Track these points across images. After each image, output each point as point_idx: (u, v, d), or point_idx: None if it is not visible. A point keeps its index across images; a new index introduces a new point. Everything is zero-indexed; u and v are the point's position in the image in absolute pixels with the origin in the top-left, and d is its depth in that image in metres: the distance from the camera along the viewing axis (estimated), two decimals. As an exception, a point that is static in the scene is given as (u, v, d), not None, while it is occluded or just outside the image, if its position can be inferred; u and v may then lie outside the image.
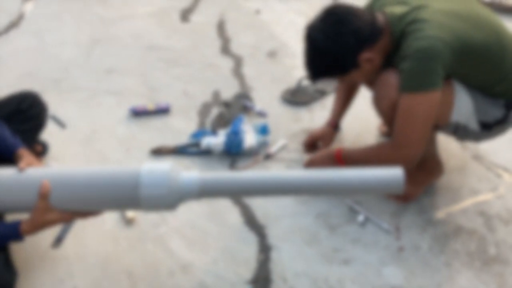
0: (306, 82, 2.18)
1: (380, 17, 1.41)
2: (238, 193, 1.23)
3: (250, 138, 1.79)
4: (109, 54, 2.36)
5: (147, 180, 1.17)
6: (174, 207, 1.21)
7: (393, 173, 1.19)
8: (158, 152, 1.80)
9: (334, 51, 1.39)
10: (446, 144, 1.85)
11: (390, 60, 1.45)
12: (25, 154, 1.33)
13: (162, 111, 1.99)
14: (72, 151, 1.77)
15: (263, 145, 1.83)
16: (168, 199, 1.18)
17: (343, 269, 1.44)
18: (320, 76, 1.49)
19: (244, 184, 1.19)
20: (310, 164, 1.65)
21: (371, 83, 1.54)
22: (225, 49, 2.46)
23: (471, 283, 1.40)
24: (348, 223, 1.58)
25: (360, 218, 1.58)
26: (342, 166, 1.54)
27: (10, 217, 1.34)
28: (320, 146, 1.82)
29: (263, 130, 1.84)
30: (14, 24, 2.52)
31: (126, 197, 1.19)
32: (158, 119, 1.97)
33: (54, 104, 1.88)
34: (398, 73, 1.38)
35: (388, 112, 1.43)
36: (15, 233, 1.21)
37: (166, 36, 2.53)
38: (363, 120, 2.02)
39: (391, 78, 1.39)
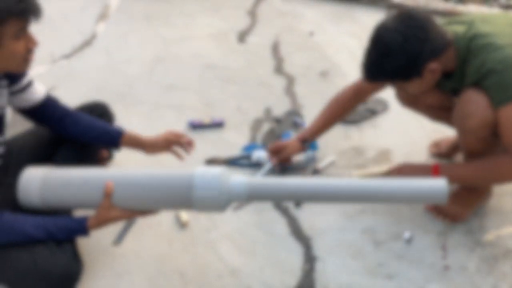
0: (356, 102, 2.22)
1: (448, 32, 1.44)
2: (283, 198, 1.29)
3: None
4: (171, 71, 2.52)
5: (199, 182, 1.26)
6: (223, 208, 1.30)
7: (438, 184, 1.23)
8: (212, 162, 1.91)
9: (408, 55, 1.37)
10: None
11: (452, 76, 1.48)
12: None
13: (217, 125, 2.10)
14: (134, 158, 1.91)
15: (311, 160, 1.89)
16: (218, 200, 1.27)
17: (386, 283, 1.46)
18: (380, 78, 1.47)
19: (290, 189, 1.26)
20: (397, 171, 1.58)
21: (411, 99, 1.58)
22: (279, 69, 2.56)
23: (519, 307, 1.38)
24: (394, 239, 1.60)
25: (406, 235, 1.60)
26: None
27: (78, 214, 1.48)
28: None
29: (312, 146, 1.90)
30: (87, 43, 2.76)
31: (180, 197, 1.29)
32: (213, 132, 2.08)
33: (119, 115, 2.03)
34: (481, 91, 1.38)
35: (477, 130, 1.42)
36: (82, 227, 1.34)
37: (223, 56, 2.67)
38: (411, 139, 2.04)
39: (478, 96, 1.38)
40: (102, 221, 1.33)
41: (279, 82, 2.45)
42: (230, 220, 1.65)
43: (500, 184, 1.53)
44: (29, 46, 1.25)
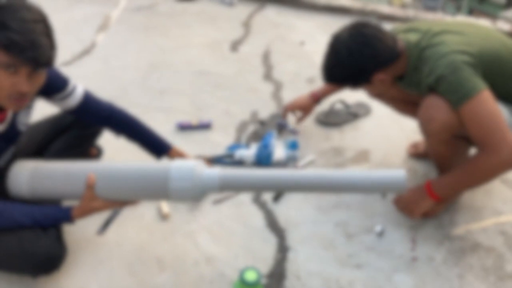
0: (339, 105, 2.31)
1: (400, 42, 1.54)
2: (253, 187, 1.37)
3: (279, 152, 1.94)
4: (164, 77, 2.63)
5: (175, 174, 1.35)
6: (199, 199, 1.38)
7: (396, 173, 1.30)
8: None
9: (353, 68, 1.52)
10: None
11: (403, 80, 1.58)
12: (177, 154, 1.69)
13: (205, 126, 2.20)
14: (123, 157, 2.01)
15: (291, 159, 1.96)
16: (193, 191, 1.35)
17: (355, 272, 1.52)
18: (334, 82, 1.62)
19: (259, 179, 1.34)
20: (399, 201, 1.64)
21: (379, 95, 1.68)
22: (268, 76, 2.66)
23: (481, 295, 1.43)
24: (365, 232, 1.67)
25: (378, 228, 1.66)
26: (434, 200, 1.54)
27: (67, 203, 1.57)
28: (299, 116, 2.13)
29: (293, 146, 1.98)
30: (86, 51, 2.89)
31: (158, 188, 1.37)
32: (200, 134, 2.18)
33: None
34: (440, 96, 1.45)
35: (439, 133, 1.49)
36: (67, 216, 1.42)
37: (215, 64, 2.78)
38: (391, 141, 2.11)
39: (438, 101, 1.45)
40: (86, 211, 1.41)
41: (267, 88, 2.54)
42: (209, 213, 1.73)
43: (488, 182, 1.51)
44: (18, 88, 1.20)
